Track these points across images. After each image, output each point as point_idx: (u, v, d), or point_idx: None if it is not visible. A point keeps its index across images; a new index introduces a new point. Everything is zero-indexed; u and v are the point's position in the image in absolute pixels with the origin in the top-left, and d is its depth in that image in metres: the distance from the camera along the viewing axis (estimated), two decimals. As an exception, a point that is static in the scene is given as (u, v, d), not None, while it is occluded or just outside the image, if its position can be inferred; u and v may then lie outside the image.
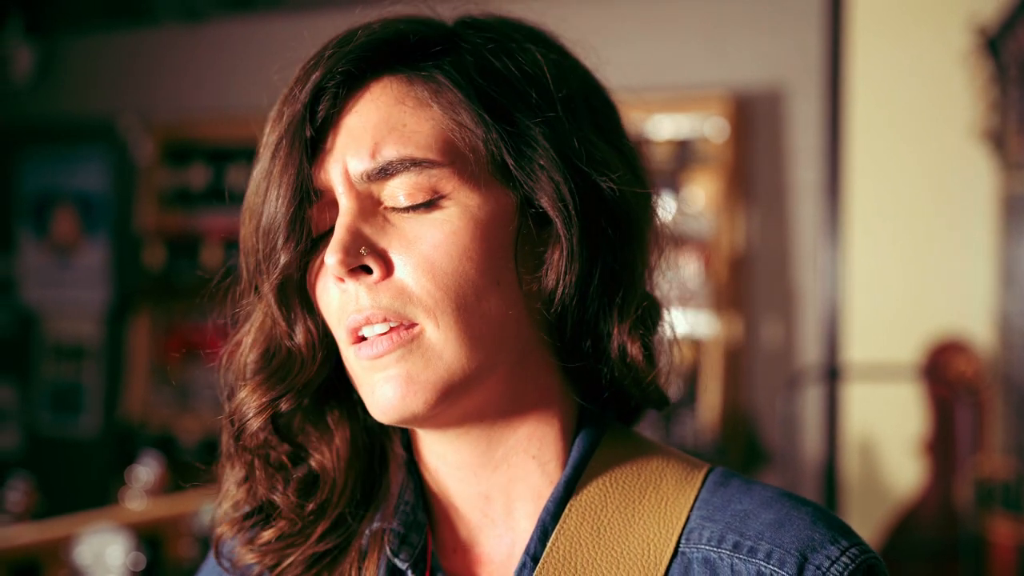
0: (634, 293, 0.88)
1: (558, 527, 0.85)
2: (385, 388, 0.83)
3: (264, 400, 0.89)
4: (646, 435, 0.94)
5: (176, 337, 5.24)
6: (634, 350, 0.87)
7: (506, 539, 0.89)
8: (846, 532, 0.82)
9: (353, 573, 0.89)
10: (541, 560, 0.84)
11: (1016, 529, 3.38)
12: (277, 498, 0.91)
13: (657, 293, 0.93)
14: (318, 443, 0.92)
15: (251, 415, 0.89)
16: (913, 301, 3.59)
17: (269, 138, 0.87)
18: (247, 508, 0.93)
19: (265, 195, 0.85)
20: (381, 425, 0.93)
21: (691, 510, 0.86)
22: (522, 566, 0.85)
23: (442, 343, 0.82)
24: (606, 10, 4.30)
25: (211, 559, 1.00)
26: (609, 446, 0.90)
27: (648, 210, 0.91)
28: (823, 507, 0.86)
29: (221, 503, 0.95)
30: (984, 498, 3.44)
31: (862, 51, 3.64)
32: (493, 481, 0.88)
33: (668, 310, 0.94)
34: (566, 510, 0.86)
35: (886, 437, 3.64)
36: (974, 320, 3.47)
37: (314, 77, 0.84)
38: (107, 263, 5.57)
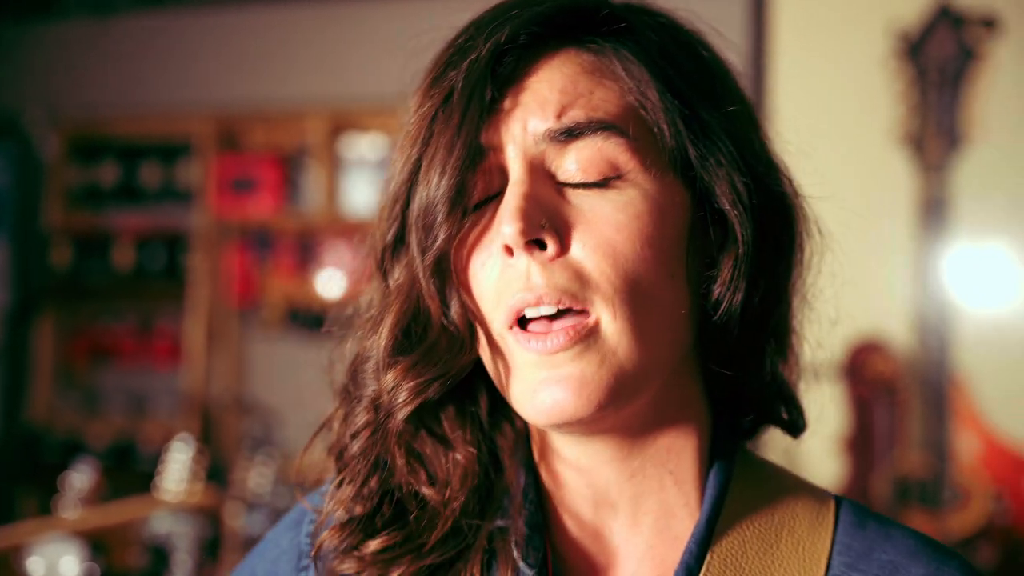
0: (790, 307, 0.85)
1: (703, 573, 0.80)
2: (554, 390, 0.75)
3: (420, 381, 0.79)
4: (768, 458, 0.90)
5: (84, 339, 5.11)
6: (786, 370, 0.84)
7: (627, 553, 0.84)
8: None
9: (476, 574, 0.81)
10: None
11: (933, 524, 3.45)
12: (422, 489, 0.83)
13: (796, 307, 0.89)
14: (435, 448, 0.84)
15: (402, 399, 0.80)
16: (833, 302, 3.64)
17: (426, 103, 0.79)
18: (349, 515, 0.84)
19: (416, 170, 0.79)
20: (492, 419, 0.87)
21: (830, 556, 0.82)
22: None
23: (617, 337, 0.75)
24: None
25: (283, 533, 0.93)
26: (743, 478, 0.85)
27: (802, 216, 0.87)
28: (965, 557, 0.84)
29: (328, 507, 0.86)
30: (902, 494, 3.51)
31: (784, 54, 3.69)
32: (623, 491, 0.83)
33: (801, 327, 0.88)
34: (708, 555, 0.81)
35: (807, 436, 3.68)
36: (893, 321, 3.54)
37: (497, 36, 0.77)
38: (8, 263, 5.40)
